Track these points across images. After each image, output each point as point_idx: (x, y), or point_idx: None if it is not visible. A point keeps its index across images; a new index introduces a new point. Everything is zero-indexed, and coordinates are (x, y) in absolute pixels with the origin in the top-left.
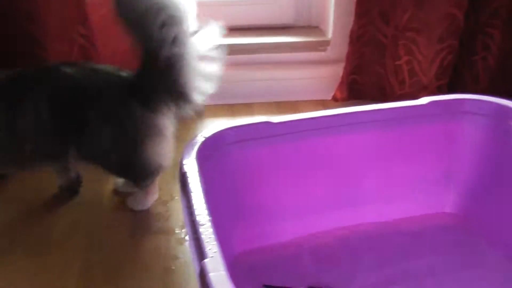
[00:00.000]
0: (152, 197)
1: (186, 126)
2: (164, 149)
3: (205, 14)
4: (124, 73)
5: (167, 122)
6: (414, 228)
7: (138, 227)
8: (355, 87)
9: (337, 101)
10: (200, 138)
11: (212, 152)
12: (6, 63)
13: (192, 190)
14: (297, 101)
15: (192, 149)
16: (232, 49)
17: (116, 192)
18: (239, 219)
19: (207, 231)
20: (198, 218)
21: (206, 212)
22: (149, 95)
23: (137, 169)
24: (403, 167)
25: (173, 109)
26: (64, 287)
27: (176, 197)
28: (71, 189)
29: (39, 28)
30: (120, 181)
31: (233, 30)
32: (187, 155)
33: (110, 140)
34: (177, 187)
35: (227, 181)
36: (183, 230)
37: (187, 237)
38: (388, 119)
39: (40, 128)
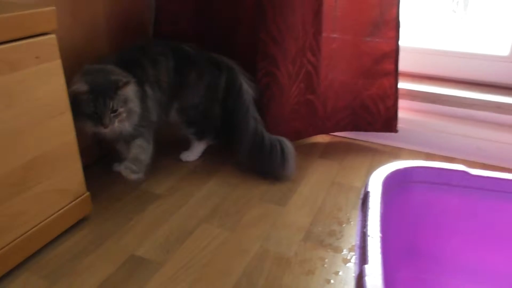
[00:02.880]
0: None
1: (380, 160)
2: None
3: (437, 62)
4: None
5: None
6: None
7: (311, 236)
8: None
9: None
10: (390, 168)
11: (398, 184)
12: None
13: (370, 207)
14: (510, 168)
15: (381, 174)
16: (448, 100)
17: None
18: (406, 258)
19: (375, 243)
20: (369, 231)
21: (378, 228)
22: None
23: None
24: None
25: None
26: (238, 261)
27: (352, 222)
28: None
29: (280, 50)
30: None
31: (458, 82)
32: (374, 179)
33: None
34: (356, 213)
35: (404, 217)
36: (350, 253)
37: (352, 259)
38: None
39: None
